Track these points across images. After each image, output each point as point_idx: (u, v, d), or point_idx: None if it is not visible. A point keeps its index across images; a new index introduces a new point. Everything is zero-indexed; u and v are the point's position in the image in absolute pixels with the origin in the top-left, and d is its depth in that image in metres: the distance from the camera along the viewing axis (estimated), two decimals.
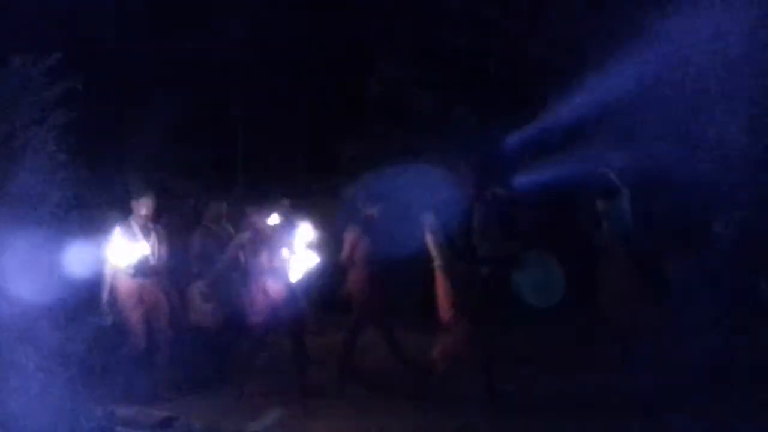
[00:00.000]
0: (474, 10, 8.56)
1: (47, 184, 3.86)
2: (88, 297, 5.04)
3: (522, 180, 7.27)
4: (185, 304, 6.22)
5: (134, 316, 5.63)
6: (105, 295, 5.56)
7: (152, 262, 5.70)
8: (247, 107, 9.22)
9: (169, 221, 6.39)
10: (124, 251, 5.54)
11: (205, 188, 7.79)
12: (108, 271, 5.55)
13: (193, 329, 6.19)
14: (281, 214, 6.03)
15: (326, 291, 6.69)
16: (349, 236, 6.08)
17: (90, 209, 5.90)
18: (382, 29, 8.92)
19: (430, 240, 5.36)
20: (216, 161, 9.10)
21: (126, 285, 5.62)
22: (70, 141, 4.06)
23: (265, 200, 6.17)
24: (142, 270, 5.61)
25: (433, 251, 5.36)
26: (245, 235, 5.91)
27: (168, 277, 6.01)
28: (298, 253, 5.81)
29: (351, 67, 8.95)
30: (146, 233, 5.72)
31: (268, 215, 5.87)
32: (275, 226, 5.88)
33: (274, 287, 5.70)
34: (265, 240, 5.76)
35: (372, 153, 8.69)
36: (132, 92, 8.08)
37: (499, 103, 8.75)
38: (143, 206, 5.74)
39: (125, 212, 5.99)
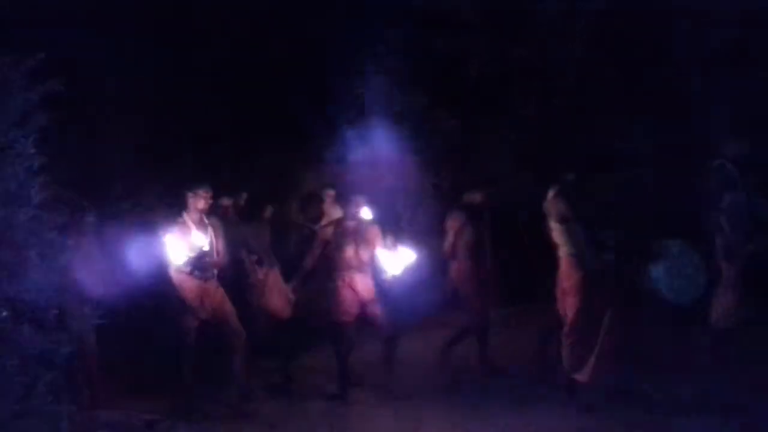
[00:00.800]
0: (456, 13, 8.61)
1: (28, 186, 3.83)
2: (75, 298, 4.96)
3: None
4: (262, 289, 6.05)
5: (190, 319, 5.22)
6: (183, 297, 5.16)
7: (210, 258, 5.24)
8: (232, 110, 9.18)
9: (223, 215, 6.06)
10: (180, 249, 5.09)
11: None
12: (173, 273, 5.14)
13: (268, 316, 6.05)
14: (365, 209, 5.72)
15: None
16: (452, 224, 5.84)
17: (74, 211, 5.78)
18: (367, 32, 8.93)
19: (557, 228, 4.93)
20: (200, 161, 9.04)
21: (187, 286, 5.18)
22: (51, 143, 4.02)
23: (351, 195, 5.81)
24: (200, 267, 5.16)
25: (561, 240, 4.92)
26: (329, 230, 5.61)
27: (232, 271, 5.73)
28: (392, 249, 5.50)
29: (336, 69, 8.95)
30: (202, 228, 5.24)
31: (355, 210, 5.57)
32: (361, 220, 5.57)
33: (361, 284, 5.41)
34: (351, 235, 5.46)
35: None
36: (117, 95, 8.01)
37: (480, 105, 8.82)
38: (200, 199, 5.23)
39: (113, 213, 5.92)
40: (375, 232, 5.53)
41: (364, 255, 5.40)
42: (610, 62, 8.41)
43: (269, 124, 8.96)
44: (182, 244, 5.07)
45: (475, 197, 5.90)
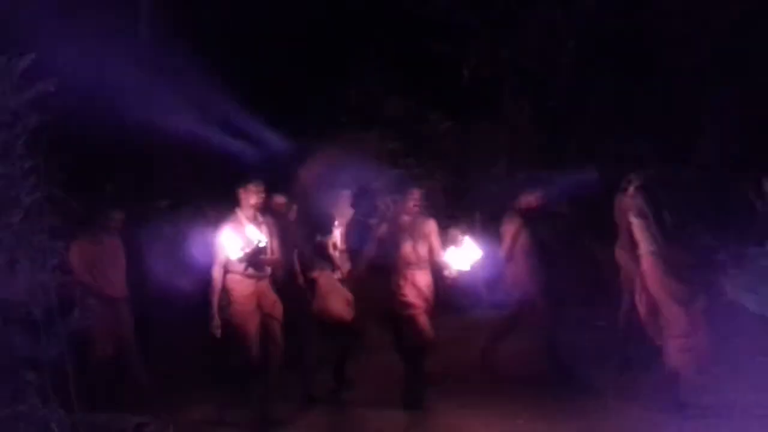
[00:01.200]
0: (448, 18, 8.62)
1: (18, 188, 3.81)
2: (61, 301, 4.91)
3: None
4: (318, 292, 5.86)
5: (250, 324, 4.99)
6: (215, 301, 4.96)
7: (266, 256, 5.05)
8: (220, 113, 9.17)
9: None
10: (234, 244, 4.90)
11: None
12: (216, 272, 4.98)
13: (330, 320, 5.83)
14: (413, 205, 5.42)
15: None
16: (509, 227, 5.72)
17: (64, 213, 5.74)
18: (359, 36, 8.94)
19: (637, 224, 4.71)
20: (195, 163, 9.03)
21: (240, 286, 4.99)
22: (43, 145, 4.00)
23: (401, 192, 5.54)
24: (255, 264, 4.96)
25: (641, 236, 4.69)
26: (383, 228, 5.39)
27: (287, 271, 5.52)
28: (456, 244, 5.30)
29: (328, 73, 8.96)
30: (256, 226, 5.06)
31: (406, 206, 5.34)
32: (416, 215, 5.33)
33: (422, 280, 5.22)
34: (407, 231, 5.24)
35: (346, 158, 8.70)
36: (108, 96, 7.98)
37: (472, 108, 8.84)
38: (252, 194, 5.05)
39: (104, 215, 5.87)
40: (431, 226, 5.33)
41: (422, 251, 5.20)
42: (603, 64, 8.44)
43: (262, 125, 8.95)
44: (237, 239, 4.90)
45: (531, 199, 5.80)
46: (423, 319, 5.15)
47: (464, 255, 5.23)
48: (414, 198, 5.30)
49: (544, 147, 8.81)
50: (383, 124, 9.06)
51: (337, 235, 6.53)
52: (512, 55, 8.66)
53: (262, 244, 4.93)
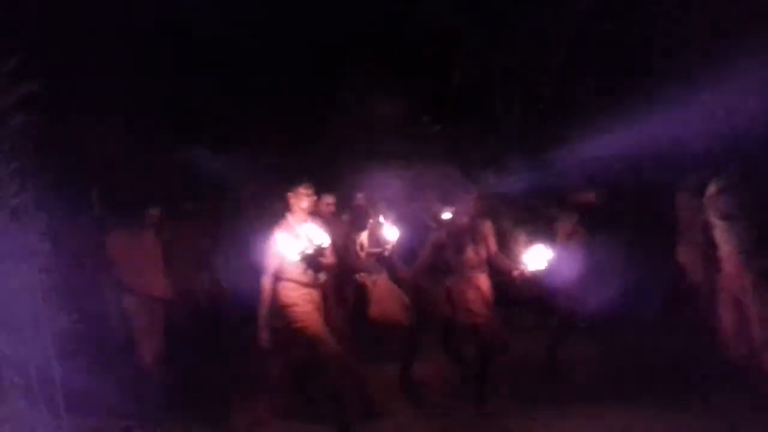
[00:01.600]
0: (439, 20, 8.65)
1: (4, 189, 3.79)
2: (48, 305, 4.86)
3: None
4: (375, 298, 5.66)
5: (315, 320, 4.71)
6: (265, 312, 4.72)
7: (324, 259, 4.79)
8: (212, 114, 9.15)
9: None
10: (292, 245, 4.66)
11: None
12: (267, 282, 4.72)
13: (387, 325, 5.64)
14: (472, 207, 5.20)
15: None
16: (563, 226, 5.58)
17: (53, 215, 5.69)
18: (350, 38, 8.95)
19: (719, 226, 4.51)
20: (181, 165, 8.98)
21: (295, 293, 4.73)
22: (29, 146, 3.98)
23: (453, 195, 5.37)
24: (314, 266, 4.72)
25: (724, 238, 4.49)
26: (440, 234, 5.18)
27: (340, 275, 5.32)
28: (522, 246, 5.23)
29: (319, 75, 8.97)
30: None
31: (461, 210, 5.17)
32: (474, 216, 5.13)
33: (485, 283, 5.08)
34: (467, 233, 5.06)
35: (337, 160, 8.71)
36: (99, 95, 7.94)
37: (462, 111, 8.87)
38: (302, 197, 4.80)
39: (95, 217, 5.79)
40: (488, 227, 5.15)
41: (483, 253, 5.05)
42: (593, 67, 8.49)
43: (251, 126, 8.95)
44: (294, 242, 4.68)
45: (586, 197, 5.65)
46: (493, 324, 5.04)
47: (538, 254, 5.03)
48: (474, 198, 5.16)
49: (533, 149, 8.83)
50: (373, 126, 9.08)
51: (364, 236, 6.43)
52: (502, 58, 8.68)
53: (324, 245, 4.72)
